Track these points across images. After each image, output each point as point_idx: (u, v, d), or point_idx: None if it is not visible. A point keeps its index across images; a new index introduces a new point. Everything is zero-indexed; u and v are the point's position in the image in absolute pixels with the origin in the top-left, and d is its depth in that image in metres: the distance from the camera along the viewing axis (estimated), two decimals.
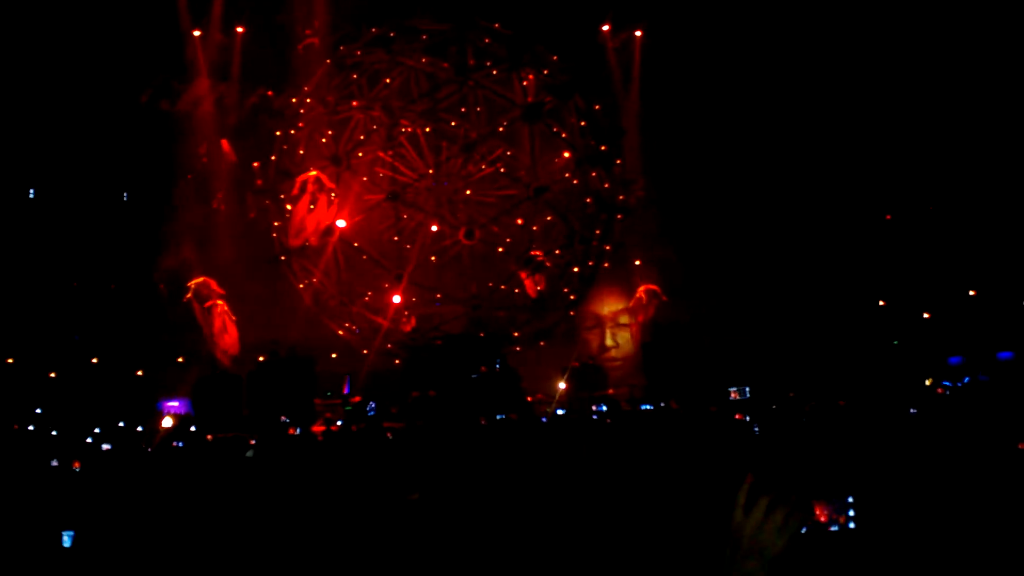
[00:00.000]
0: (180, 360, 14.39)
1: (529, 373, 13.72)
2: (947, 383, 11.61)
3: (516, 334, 15.33)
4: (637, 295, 15.55)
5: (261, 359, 13.15)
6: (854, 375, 11.61)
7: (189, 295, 14.13)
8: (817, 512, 1.95)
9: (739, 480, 1.80)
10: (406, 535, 2.19)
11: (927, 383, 12.11)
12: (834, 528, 1.96)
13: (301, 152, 15.18)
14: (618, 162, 15.75)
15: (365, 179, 15.29)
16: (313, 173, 14.52)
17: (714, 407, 10.03)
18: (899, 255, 15.17)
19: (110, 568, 3.91)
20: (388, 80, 15.21)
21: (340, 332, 15.35)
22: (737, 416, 8.86)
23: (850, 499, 1.98)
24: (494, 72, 15.28)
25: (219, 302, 14.17)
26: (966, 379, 11.56)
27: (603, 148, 15.55)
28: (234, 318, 14.29)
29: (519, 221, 15.58)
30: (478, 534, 2.10)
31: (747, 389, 11.42)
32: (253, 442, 7.04)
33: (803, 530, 1.83)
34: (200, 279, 14.21)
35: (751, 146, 14.96)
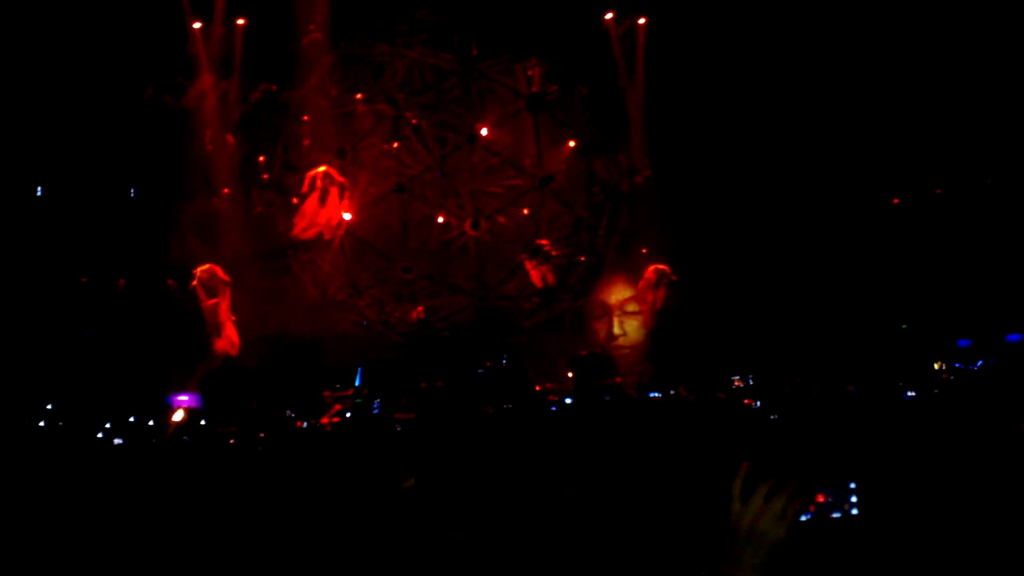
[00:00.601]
0: (189, 354, 14.43)
1: (536, 363, 13.73)
2: (959, 364, 11.56)
3: (524, 324, 15.34)
4: (646, 276, 15.48)
5: (267, 351, 13.19)
6: (862, 359, 11.58)
7: (194, 283, 14.14)
8: (819, 499, 1.94)
9: (737, 468, 1.80)
10: (399, 525, 2.19)
11: (936, 367, 12.07)
12: (836, 515, 1.94)
13: (307, 143, 15.21)
14: (622, 152, 15.73)
15: (371, 171, 15.30)
16: (322, 168, 14.53)
17: (722, 394, 10.03)
18: (906, 239, 15.09)
19: (122, 564, 3.94)
20: (392, 72, 15.21)
21: (348, 325, 15.39)
22: (746, 401, 8.84)
23: (853, 484, 1.96)
24: (497, 63, 15.25)
25: (223, 304, 14.16)
26: (979, 363, 11.51)
27: (607, 137, 15.54)
28: (234, 318, 14.28)
29: (525, 211, 15.58)
30: (474, 523, 2.10)
31: (750, 378, 11.39)
32: (263, 435, 7.08)
33: (804, 517, 1.83)
34: (206, 266, 14.21)
35: (757, 131, 14.88)
